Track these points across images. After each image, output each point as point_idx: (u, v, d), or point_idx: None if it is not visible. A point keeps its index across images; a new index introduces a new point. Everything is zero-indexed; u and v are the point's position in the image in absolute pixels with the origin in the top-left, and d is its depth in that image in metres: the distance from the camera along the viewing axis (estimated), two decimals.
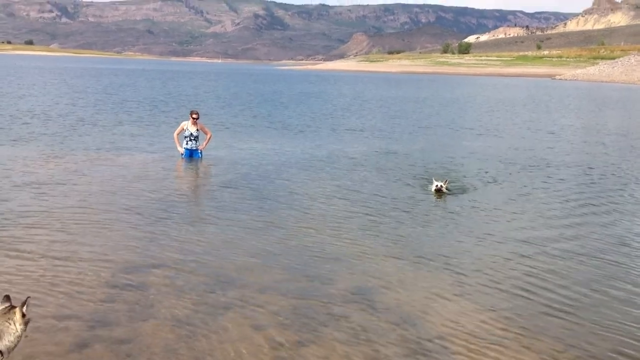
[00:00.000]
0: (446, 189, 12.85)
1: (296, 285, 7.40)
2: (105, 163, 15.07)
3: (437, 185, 12.79)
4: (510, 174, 15.78)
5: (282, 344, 5.88)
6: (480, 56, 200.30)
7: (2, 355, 4.46)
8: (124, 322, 6.20)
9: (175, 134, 16.31)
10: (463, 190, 13.42)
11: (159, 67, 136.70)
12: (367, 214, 11.12)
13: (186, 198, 12.49)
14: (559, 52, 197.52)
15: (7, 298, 4.65)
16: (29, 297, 4.72)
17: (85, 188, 12.19)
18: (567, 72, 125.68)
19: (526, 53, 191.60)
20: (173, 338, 5.90)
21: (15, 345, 4.55)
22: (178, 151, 16.01)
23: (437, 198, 12.52)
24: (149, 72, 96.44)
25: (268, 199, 11.99)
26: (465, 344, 6.06)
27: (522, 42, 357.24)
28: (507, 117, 34.69)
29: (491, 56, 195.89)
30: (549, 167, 17.12)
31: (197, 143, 16.02)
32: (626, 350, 6.10)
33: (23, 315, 4.54)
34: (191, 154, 15.92)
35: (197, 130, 15.93)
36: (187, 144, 15.91)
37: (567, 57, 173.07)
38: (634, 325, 6.69)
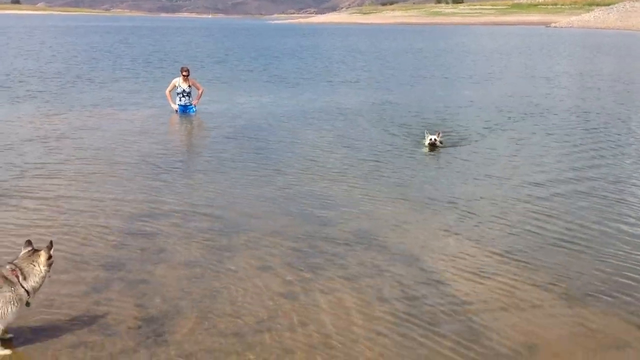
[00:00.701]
0: (440, 142, 12.28)
1: (301, 229, 7.65)
2: (106, 118, 15.20)
3: (430, 139, 12.15)
4: (506, 121, 15.93)
5: (290, 282, 6.14)
6: (475, 5, 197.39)
7: (28, 294, 4.71)
8: (137, 264, 6.45)
9: (167, 92, 16.38)
10: (460, 140, 13.42)
11: (149, 23, 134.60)
12: (367, 161, 11.36)
13: (188, 150, 12.74)
14: None
15: (29, 243, 4.89)
16: (51, 240, 4.93)
17: (88, 142, 12.36)
18: (562, 20, 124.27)
19: (521, 1, 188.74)
20: (185, 279, 6.15)
21: (40, 286, 4.80)
22: (172, 108, 16.11)
23: (431, 152, 12.06)
24: (139, 28, 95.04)
25: (269, 149, 12.19)
26: (465, 278, 6.34)
27: None
28: (502, 65, 34.62)
29: (485, 5, 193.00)
30: (544, 113, 17.27)
31: (190, 99, 16.13)
32: (624, 276, 6.38)
33: (49, 258, 4.77)
34: (185, 110, 16.04)
35: (189, 86, 16.04)
36: (180, 100, 16.02)
37: (562, 4, 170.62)
38: (634, 253, 6.99)
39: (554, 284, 6.23)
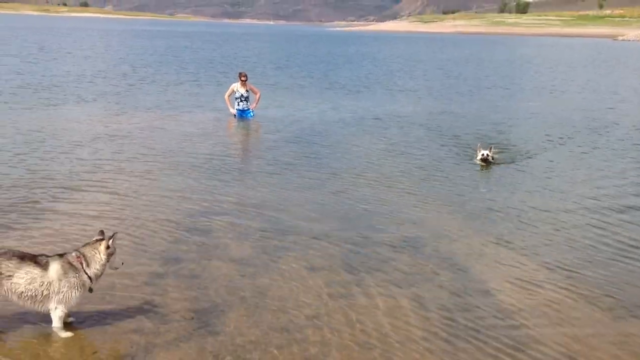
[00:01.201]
0: (492, 158, 11.86)
1: (348, 234, 7.81)
2: (170, 120, 15.81)
3: (483, 154, 11.81)
4: (567, 135, 15.65)
5: (336, 283, 6.32)
6: (539, 16, 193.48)
7: (91, 280, 5.04)
8: (190, 261, 6.75)
9: (226, 96, 16.80)
10: (517, 153, 13.20)
11: (212, 29, 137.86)
12: (419, 170, 11.49)
13: (246, 153, 13.19)
14: (622, 11, 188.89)
15: (102, 232, 5.23)
16: (115, 232, 5.25)
17: (153, 142, 12.96)
18: (630, 33, 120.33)
19: (587, 12, 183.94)
20: (236, 275, 6.42)
21: (102, 273, 5.12)
22: (230, 112, 16.51)
23: (484, 168, 11.68)
24: (202, 34, 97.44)
25: (324, 154, 12.50)
26: (513, 287, 6.38)
27: (583, 0, 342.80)
28: (566, 77, 33.91)
29: (550, 15, 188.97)
30: (607, 127, 16.90)
31: (248, 103, 16.48)
32: None
33: (107, 247, 5.09)
34: (243, 114, 16.39)
35: (247, 91, 16.40)
36: (238, 104, 16.40)
37: (630, 17, 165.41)
38: None
39: (603, 298, 6.19)
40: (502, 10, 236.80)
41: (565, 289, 6.39)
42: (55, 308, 4.99)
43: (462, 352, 5.10)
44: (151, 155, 11.72)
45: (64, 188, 9.24)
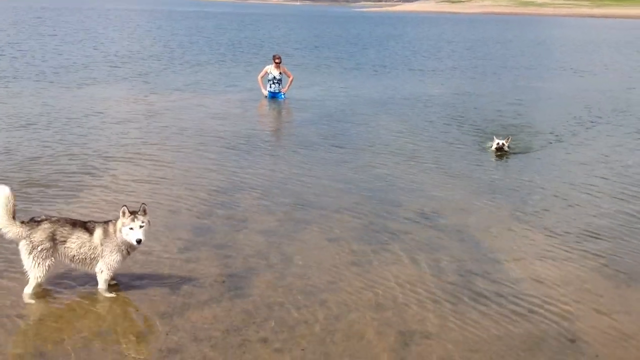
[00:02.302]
0: (508, 147, 11.54)
1: (368, 207, 8.31)
2: (200, 99, 16.42)
3: (498, 143, 11.46)
4: (593, 119, 15.86)
5: (355, 252, 6.83)
6: None
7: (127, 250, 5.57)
8: (221, 231, 7.28)
9: (259, 77, 17.20)
10: (533, 142, 13.11)
11: (239, 9, 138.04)
12: (438, 148, 11.92)
13: (272, 131, 13.75)
14: None
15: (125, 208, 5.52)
16: (143, 203, 5.60)
17: (184, 121, 13.55)
18: None
19: None
20: (263, 245, 6.93)
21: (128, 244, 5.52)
22: (262, 93, 16.88)
23: (498, 158, 11.41)
24: (229, 14, 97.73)
25: (347, 133, 13.06)
26: (520, 258, 6.81)
27: None
28: (596, 58, 33.71)
29: None
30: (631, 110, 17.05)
31: (280, 86, 16.78)
32: None
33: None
34: (274, 96, 16.73)
35: (280, 73, 16.68)
36: (270, 87, 16.74)
37: None
38: None
39: (611, 268, 6.59)
40: None
41: (575, 260, 6.81)
42: (101, 271, 5.55)
43: (470, 314, 5.55)
44: (183, 133, 12.34)
45: (101, 162, 9.87)
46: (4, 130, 11.84)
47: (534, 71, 26.72)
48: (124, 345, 4.87)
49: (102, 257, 5.48)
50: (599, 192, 9.38)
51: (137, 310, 5.44)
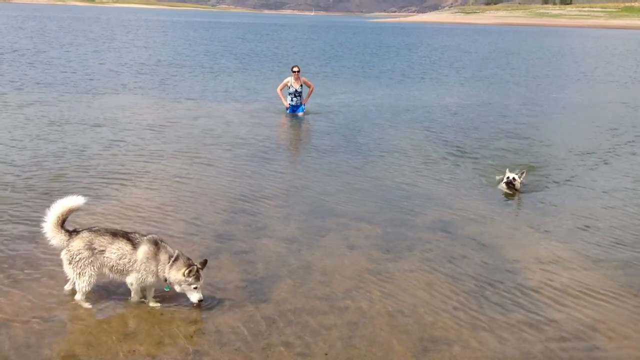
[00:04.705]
0: (520, 183, 9.82)
1: (387, 216, 8.41)
2: (215, 109, 16.55)
3: (509, 177, 9.81)
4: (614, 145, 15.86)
5: (374, 259, 6.93)
6: (584, 7, 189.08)
7: (165, 280, 5.59)
8: (242, 238, 7.41)
9: (278, 90, 16.50)
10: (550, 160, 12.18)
11: (253, 20, 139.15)
12: (454, 157, 11.98)
13: (288, 141, 13.91)
14: None
15: (204, 262, 5.65)
16: (206, 259, 5.72)
17: (201, 130, 13.73)
18: None
19: (633, 4, 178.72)
20: (283, 251, 7.06)
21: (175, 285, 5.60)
22: (283, 105, 16.36)
23: (508, 194, 9.77)
24: (246, 25, 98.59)
25: (364, 142, 13.21)
26: (538, 268, 6.88)
27: None
28: (620, 69, 33.67)
29: (595, 7, 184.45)
30: None
31: (300, 99, 16.24)
32: None
33: (188, 275, 5.46)
34: (295, 110, 16.21)
35: (301, 85, 16.13)
36: (291, 100, 16.17)
37: None
38: None
39: (629, 279, 6.63)
40: (545, 2, 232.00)
41: (589, 270, 6.86)
42: (131, 284, 5.58)
43: (489, 323, 5.63)
44: (202, 141, 12.52)
45: (119, 170, 10.04)
46: (28, 137, 12.06)
47: (554, 80, 26.82)
48: (150, 349, 5.00)
49: (138, 271, 5.50)
50: (622, 206, 9.42)
51: (162, 315, 5.56)
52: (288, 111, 16.27)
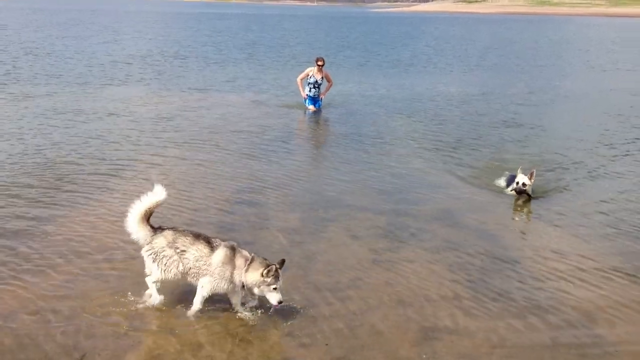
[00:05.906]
0: (530, 189, 8.86)
1: (389, 206, 8.46)
2: (220, 100, 16.62)
3: (517, 183, 8.79)
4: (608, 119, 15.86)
5: (377, 250, 6.98)
6: None
7: (243, 287, 5.40)
8: (245, 229, 7.46)
9: (298, 79, 16.04)
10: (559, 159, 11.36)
11: (256, 10, 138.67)
12: (456, 148, 12.01)
13: (293, 132, 13.86)
14: None
15: (282, 262, 5.39)
16: (284, 259, 5.46)
17: (207, 121, 13.83)
18: None
19: None
20: (286, 242, 7.10)
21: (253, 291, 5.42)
22: (301, 95, 16.06)
23: (518, 200, 8.94)
24: (248, 16, 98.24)
25: (367, 134, 13.24)
26: (540, 256, 6.93)
27: None
28: (618, 57, 33.62)
29: None
30: None
31: (319, 90, 15.82)
32: None
33: (266, 275, 5.21)
34: (313, 101, 15.80)
35: (322, 78, 15.66)
36: (310, 91, 15.74)
37: None
38: None
39: (626, 267, 6.68)
40: None
41: (590, 259, 6.90)
42: (202, 287, 5.40)
43: (490, 312, 5.68)
44: (207, 132, 12.56)
45: (125, 162, 10.07)
46: (34, 130, 12.07)
47: (558, 69, 26.88)
48: (159, 342, 5.05)
49: (212, 275, 5.34)
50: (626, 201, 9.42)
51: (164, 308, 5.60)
52: (306, 102, 15.89)
